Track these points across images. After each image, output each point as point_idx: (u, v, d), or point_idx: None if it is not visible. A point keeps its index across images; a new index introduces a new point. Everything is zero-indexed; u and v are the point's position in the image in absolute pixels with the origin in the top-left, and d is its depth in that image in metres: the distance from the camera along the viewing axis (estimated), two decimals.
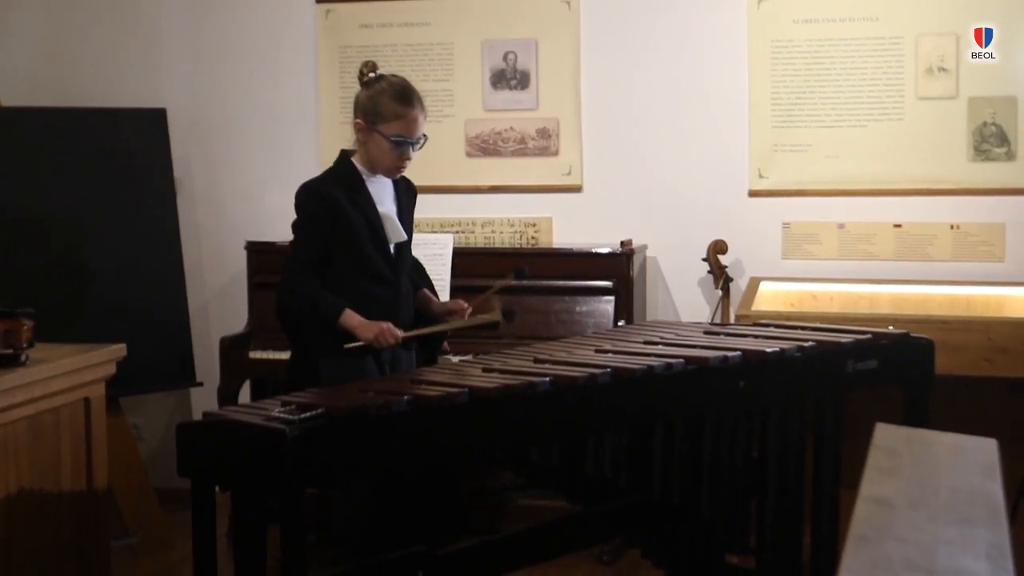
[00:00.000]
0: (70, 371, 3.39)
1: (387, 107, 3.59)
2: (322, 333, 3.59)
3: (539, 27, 5.13)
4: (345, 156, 3.71)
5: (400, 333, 3.59)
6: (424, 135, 3.67)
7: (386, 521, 3.74)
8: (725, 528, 3.55)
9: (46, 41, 5.59)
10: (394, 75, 3.72)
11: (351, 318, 3.56)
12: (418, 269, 3.97)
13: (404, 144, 3.61)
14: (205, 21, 5.46)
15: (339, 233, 3.60)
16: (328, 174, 3.73)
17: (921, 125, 4.80)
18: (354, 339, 3.56)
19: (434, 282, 4.17)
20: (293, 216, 3.69)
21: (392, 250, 3.70)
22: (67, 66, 5.55)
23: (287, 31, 5.38)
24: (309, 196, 3.64)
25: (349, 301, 3.60)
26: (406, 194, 3.80)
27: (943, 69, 4.76)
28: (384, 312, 3.65)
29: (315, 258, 3.61)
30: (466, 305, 3.81)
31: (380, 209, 3.66)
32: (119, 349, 3.62)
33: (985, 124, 4.74)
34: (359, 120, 3.64)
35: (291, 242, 3.71)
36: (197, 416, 5.16)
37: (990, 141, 4.74)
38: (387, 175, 3.70)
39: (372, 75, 3.67)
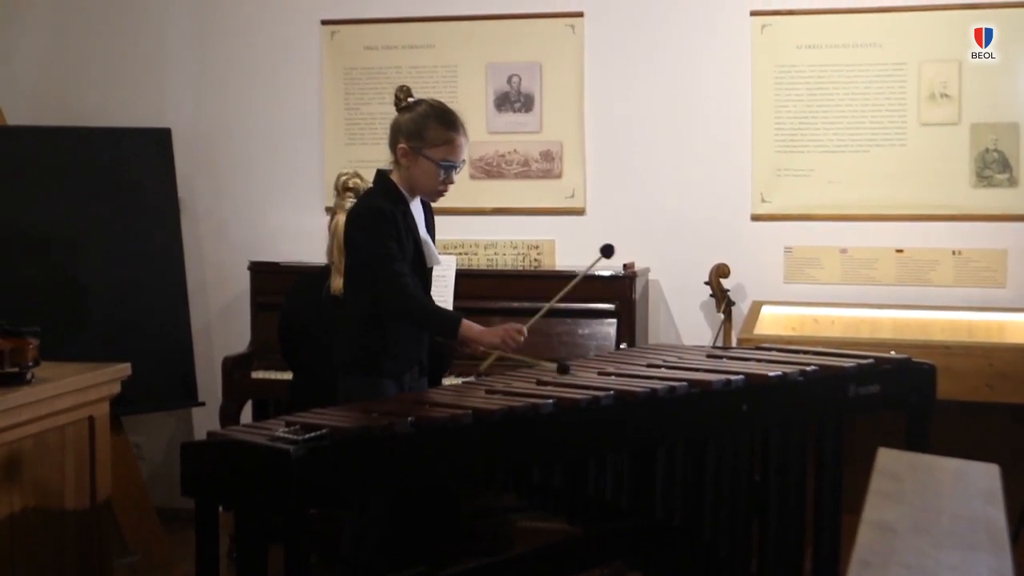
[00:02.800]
0: (75, 390, 3.40)
1: (434, 131, 3.59)
2: (358, 348, 3.59)
3: (543, 50, 5.16)
4: (386, 177, 3.67)
5: (525, 330, 3.58)
6: (463, 159, 3.68)
7: (389, 542, 3.74)
8: (727, 551, 3.55)
9: (51, 60, 5.61)
10: (434, 99, 3.72)
11: (471, 328, 3.55)
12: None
13: (451, 168, 3.62)
14: (210, 41, 5.49)
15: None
16: (381, 195, 3.65)
17: (923, 151, 4.81)
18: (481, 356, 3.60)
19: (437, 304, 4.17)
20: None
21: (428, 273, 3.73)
22: (72, 85, 5.57)
23: (292, 52, 5.40)
24: (374, 213, 3.57)
25: (395, 323, 3.60)
26: (430, 216, 3.81)
27: (945, 95, 4.78)
28: (419, 333, 3.66)
29: (407, 266, 3.56)
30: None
31: (420, 234, 3.67)
32: (124, 368, 3.63)
33: (987, 150, 4.76)
34: (403, 144, 3.62)
35: (375, 262, 3.56)
36: (198, 436, 5.18)
37: (992, 167, 4.76)
38: (428, 198, 3.72)
39: (411, 99, 3.66)
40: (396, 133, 3.65)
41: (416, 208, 3.70)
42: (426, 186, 3.65)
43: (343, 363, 3.63)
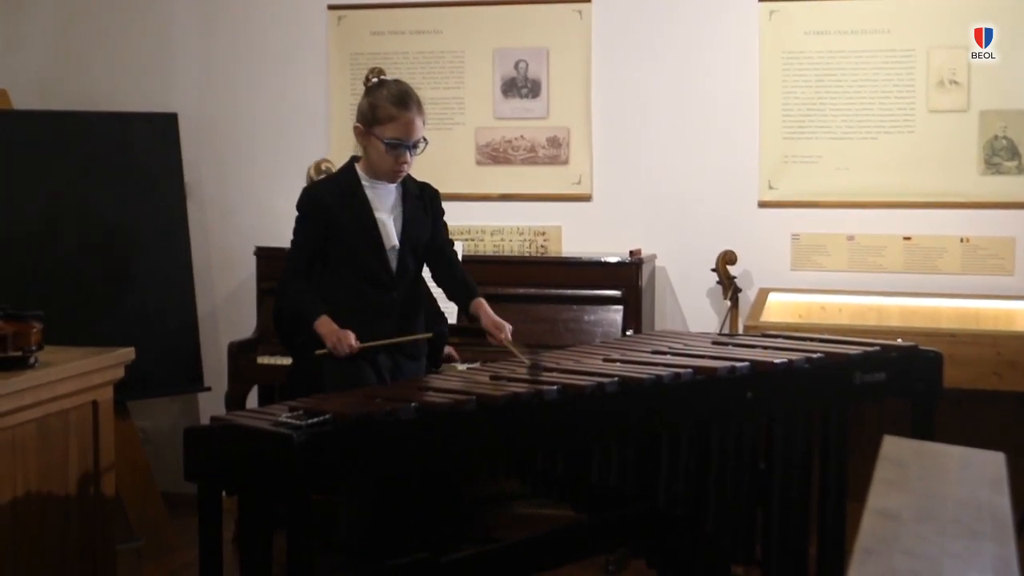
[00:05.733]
0: (79, 374, 3.40)
1: (383, 110, 3.62)
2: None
3: (550, 36, 5.14)
4: (350, 162, 3.75)
5: (355, 343, 3.57)
6: (424, 139, 3.68)
7: (390, 528, 3.74)
8: (730, 539, 3.54)
9: (58, 45, 5.61)
10: (396, 80, 3.74)
11: (323, 325, 3.59)
12: (462, 276, 3.92)
13: (399, 147, 3.62)
14: (217, 26, 5.48)
15: (333, 237, 3.64)
16: (329, 179, 3.80)
17: (932, 138, 4.79)
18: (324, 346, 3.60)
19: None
20: None
21: (392, 255, 3.70)
22: (79, 70, 5.56)
23: (299, 37, 5.39)
24: (305, 199, 3.72)
25: (347, 304, 3.62)
26: (417, 201, 3.79)
27: (954, 82, 4.76)
28: (382, 316, 3.66)
29: (305, 260, 3.69)
30: (508, 327, 3.73)
31: (377, 215, 3.67)
32: (128, 353, 3.62)
33: (996, 137, 4.74)
34: (358, 124, 3.67)
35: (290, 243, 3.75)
36: (204, 420, 5.17)
37: (1001, 155, 4.74)
38: (387, 179, 3.71)
39: (375, 80, 3.69)
40: (356, 114, 3.72)
41: (385, 190, 3.71)
42: (380, 166, 3.68)
43: (322, 346, 3.62)
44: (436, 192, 3.88)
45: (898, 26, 4.80)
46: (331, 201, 3.65)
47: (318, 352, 3.57)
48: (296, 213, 3.75)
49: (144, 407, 5.36)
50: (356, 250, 3.65)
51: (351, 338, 3.57)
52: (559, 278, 4.78)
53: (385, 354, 3.65)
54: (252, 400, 4.90)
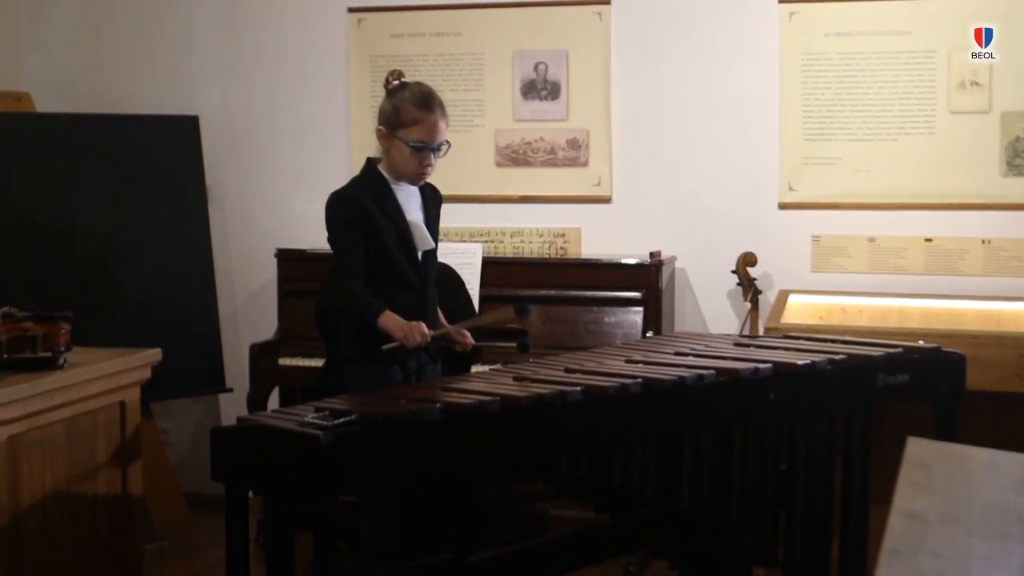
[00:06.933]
0: (107, 375, 3.43)
1: (407, 113, 3.62)
2: (356, 338, 3.61)
3: (570, 38, 5.15)
4: (371, 164, 3.74)
5: (427, 331, 3.60)
6: (447, 142, 3.69)
7: (414, 528, 3.76)
8: (753, 540, 3.54)
9: (80, 48, 5.64)
10: (418, 82, 3.74)
11: (389, 319, 3.57)
12: (455, 283, 3.97)
13: (424, 150, 3.63)
14: (238, 29, 5.50)
15: (369, 240, 3.63)
16: (356, 182, 3.75)
17: (953, 139, 4.79)
18: (391, 340, 3.58)
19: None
20: (323, 224, 3.71)
21: (420, 258, 3.72)
22: (101, 73, 5.59)
23: (319, 40, 5.41)
24: (341, 204, 3.67)
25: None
26: (433, 202, 3.82)
27: (976, 83, 4.75)
28: (413, 318, 3.67)
29: (360, 261, 3.62)
30: (471, 341, 3.81)
31: (408, 217, 3.68)
32: (155, 354, 3.65)
33: (1018, 139, 4.73)
34: (381, 127, 3.67)
35: (333, 252, 3.70)
36: (226, 422, 5.21)
37: (1023, 156, 4.73)
38: (410, 182, 3.72)
39: (396, 83, 3.69)
40: (378, 117, 3.71)
41: (407, 192, 3.72)
42: (404, 169, 3.67)
43: (347, 353, 3.63)
44: (440, 195, 3.90)
45: (919, 27, 4.79)
46: (367, 204, 3.63)
47: (386, 347, 3.56)
48: (329, 219, 3.69)
49: (166, 408, 5.39)
50: (391, 252, 3.64)
51: (422, 327, 3.58)
52: (579, 280, 4.79)
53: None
54: (273, 401, 4.92)
